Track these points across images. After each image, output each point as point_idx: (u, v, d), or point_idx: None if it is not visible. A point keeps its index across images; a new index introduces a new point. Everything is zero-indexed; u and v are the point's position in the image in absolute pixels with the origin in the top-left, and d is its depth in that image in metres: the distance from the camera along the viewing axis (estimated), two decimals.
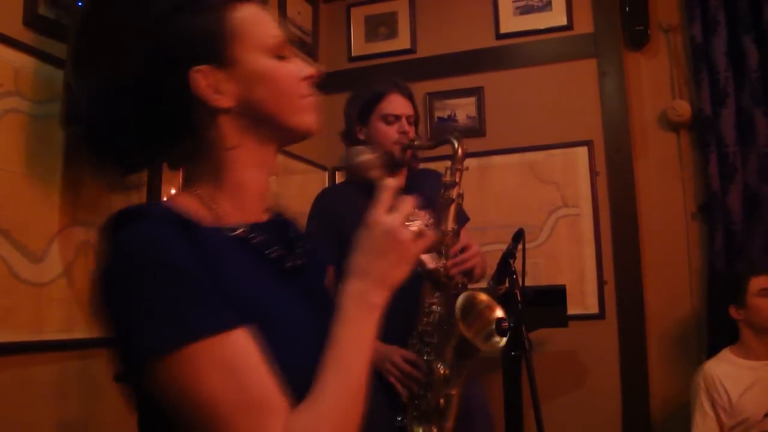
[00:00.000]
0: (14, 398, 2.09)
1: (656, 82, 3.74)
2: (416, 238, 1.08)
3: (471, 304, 2.18)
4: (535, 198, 3.79)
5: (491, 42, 3.99)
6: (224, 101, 1.07)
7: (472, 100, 3.97)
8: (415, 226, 1.08)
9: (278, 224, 1.19)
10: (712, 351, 3.19)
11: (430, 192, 2.53)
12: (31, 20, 2.23)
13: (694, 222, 3.60)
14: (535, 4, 3.94)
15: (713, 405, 2.92)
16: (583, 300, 3.64)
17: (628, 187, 3.67)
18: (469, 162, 2.52)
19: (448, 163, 2.47)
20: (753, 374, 2.92)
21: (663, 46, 3.75)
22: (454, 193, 2.44)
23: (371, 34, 4.22)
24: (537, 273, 3.63)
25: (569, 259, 3.72)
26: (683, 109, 3.58)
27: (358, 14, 4.25)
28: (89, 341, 2.34)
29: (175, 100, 1.06)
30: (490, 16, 4.00)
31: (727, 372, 2.95)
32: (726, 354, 3.03)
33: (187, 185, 1.13)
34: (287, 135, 1.15)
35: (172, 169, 2.22)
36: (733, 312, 3.01)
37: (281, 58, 1.13)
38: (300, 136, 1.16)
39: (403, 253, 1.06)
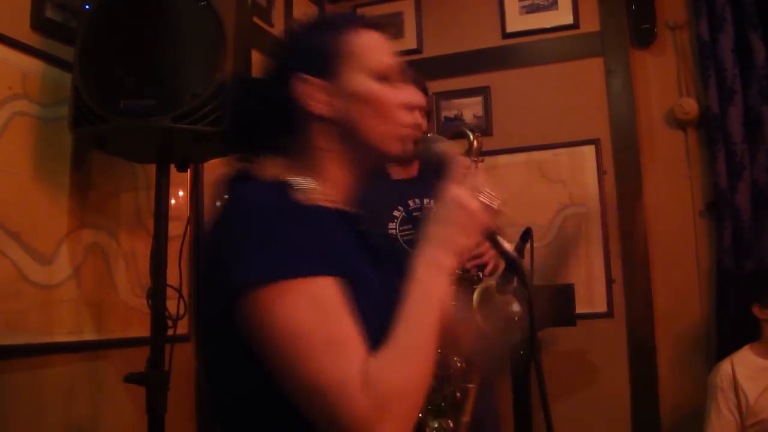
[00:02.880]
0: (24, 400, 2.09)
1: (663, 80, 3.73)
2: (483, 208, 1.15)
3: (488, 297, 2.18)
4: (543, 197, 3.78)
5: (497, 41, 3.99)
6: (320, 109, 1.19)
7: (478, 99, 3.97)
8: (483, 197, 1.16)
9: (361, 215, 1.28)
10: (722, 349, 3.18)
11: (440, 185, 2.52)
12: (39, 23, 2.23)
13: (702, 220, 3.59)
14: (541, 3, 3.93)
15: (729, 405, 2.89)
16: (591, 299, 3.64)
17: (635, 186, 3.66)
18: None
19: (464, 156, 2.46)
20: None
21: (670, 44, 3.74)
22: None
23: None
24: (545, 272, 3.62)
25: (577, 257, 3.71)
26: (690, 106, 3.57)
27: (363, 14, 4.25)
28: (98, 343, 2.35)
29: (283, 101, 1.21)
30: (496, 16, 3.99)
31: (746, 371, 2.91)
32: (746, 352, 2.98)
33: (288, 172, 1.21)
34: (372, 154, 1.24)
35: (181, 170, 2.24)
36: (757, 311, 2.97)
37: (388, 82, 1.23)
38: (384, 158, 1.26)
39: (470, 221, 1.14)
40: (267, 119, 1.23)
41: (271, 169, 1.21)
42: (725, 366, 2.96)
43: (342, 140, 1.21)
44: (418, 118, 1.24)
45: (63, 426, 2.22)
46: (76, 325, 2.29)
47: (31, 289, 2.14)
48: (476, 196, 1.15)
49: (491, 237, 1.20)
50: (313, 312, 1.00)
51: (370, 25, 1.27)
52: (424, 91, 2.68)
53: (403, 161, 1.23)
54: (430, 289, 1.09)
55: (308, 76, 1.19)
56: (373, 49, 1.24)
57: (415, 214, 2.65)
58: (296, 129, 1.22)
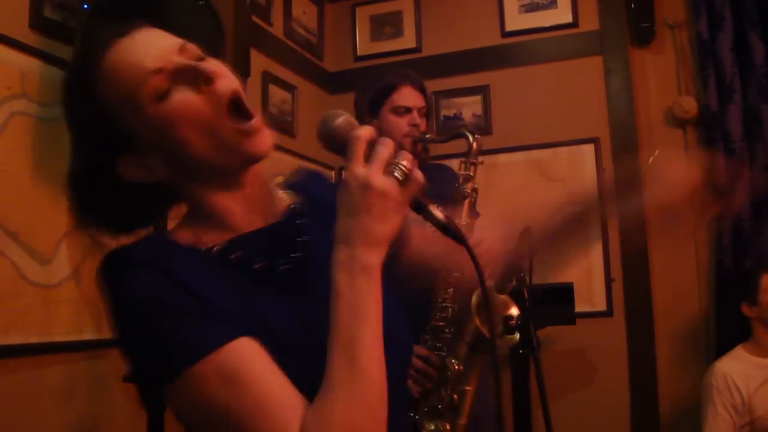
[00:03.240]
0: (24, 400, 2.09)
1: (662, 78, 3.73)
2: (399, 183, 0.96)
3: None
4: (542, 196, 3.78)
5: (497, 40, 3.99)
6: (153, 176, 1.07)
7: (477, 98, 3.97)
8: (397, 171, 0.96)
9: (278, 227, 1.14)
10: (721, 348, 3.18)
11: (442, 186, 2.52)
12: (37, 23, 2.23)
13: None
14: (541, 2, 3.93)
15: (725, 404, 2.90)
16: (590, 297, 3.64)
17: None
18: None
19: (461, 159, 2.47)
20: (766, 372, 2.90)
21: (669, 43, 3.74)
22: (468, 187, 2.43)
23: (376, 34, 4.21)
24: (544, 271, 3.62)
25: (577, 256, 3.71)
26: (690, 105, 3.57)
27: (363, 14, 4.25)
28: (98, 342, 2.34)
29: (122, 190, 1.09)
30: (496, 14, 3.99)
31: (740, 370, 2.93)
32: (739, 351, 3.01)
33: (182, 222, 1.14)
34: (231, 168, 1.08)
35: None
36: (746, 309, 2.99)
37: (171, 91, 1.02)
38: (250, 162, 1.09)
39: (385, 203, 0.94)
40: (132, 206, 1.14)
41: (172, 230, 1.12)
42: (720, 366, 2.98)
43: (196, 179, 1.08)
44: (226, 84, 1.07)
45: (62, 425, 2.22)
46: (76, 324, 2.28)
47: (30, 288, 2.14)
48: (385, 170, 0.95)
49: (419, 207, 1.01)
50: (231, 387, 0.90)
51: (107, 37, 1.09)
52: (423, 91, 2.67)
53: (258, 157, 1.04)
54: (357, 301, 0.94)
55: (117, 161, 1.06)
56: (125, 73, 1.03)
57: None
58: (159, 196, 1.13)
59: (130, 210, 1.15)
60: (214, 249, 1.06)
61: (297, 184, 1.26)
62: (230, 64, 2.01)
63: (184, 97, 1.02)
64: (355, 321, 0.93)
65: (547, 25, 3.90)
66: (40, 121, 2.22)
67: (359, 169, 0.95)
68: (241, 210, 1.10)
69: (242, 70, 2.19)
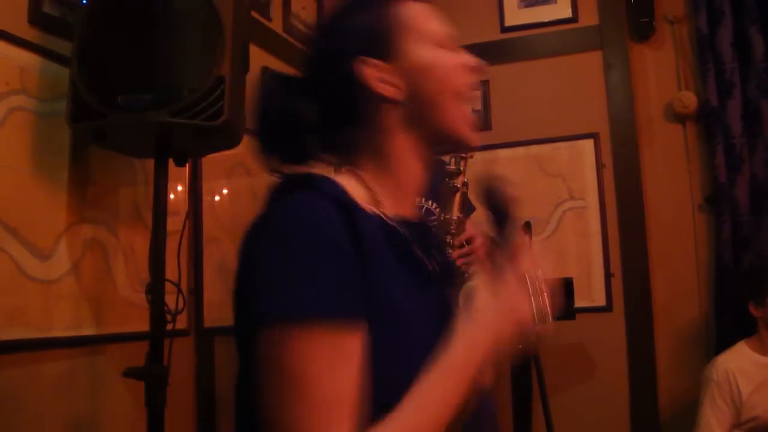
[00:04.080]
0: (23, 395, 2.10)
1: (662, 73, 3.73)
2: (530, 312, 1.06)
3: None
4: (541, 191, 3.79)
5: (496, 35, 3.99)
6: (390, 91, 1.11)
7: (477, 93, 3.96)
8: (533, 304, 1.06)
9: (423, 227, 1.22)
10: (721, 343, 3.18)
11: (433, 180, 2.52)
12: (36, 18, 2.22)
13: (700, 214, 3.59)
14: None
15: (724, 398, 2.89)
16: (590, 292, 3.64)
17: (634, 180, 3.66)
18: (475, 155, 2.51)
19: (450, 154, 2.47)
20: (766, 372, 2.89)
21: (668, 38, 3.74)
22: (458, 181, 2.43)
23: None
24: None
25: (576, 251, 3.71)
26: (689, 100, 3.58)
27: None
28: (97, 338, 2.35)
29: (345, 90, 1.12)
30: (495, 9, 3.99)
31: (741, 367, 2.91)
32: (742, 347, 2.99)
33: (349, 168, 1.15)
34: (443, 135, 1.16)
35: (179, 165, 2.23)
36: (753, 309, 2.97)
37: (446, 48, 1.17)
38: (454, 141, 1.18)
39: (518, 331, 1.05)
40: (325, 115, 1.13)
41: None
42: (721, 360, 2.97)
43: (413, 123, 1.14)
44: (477, 78, 1.21)
45: (62, 421, 2.22)
46: (75, 320, 2.28)
47: (29, 284, 2.14)
48: (527, 293, 1.06)
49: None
50: (324, 364, 0.90)
51: None
52: None
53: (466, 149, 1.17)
54: (456, 378, 0.98)
55: (371, 60, 1.11)
56: (425, 18, 1.18)
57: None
58: (362, 120, 1.14)
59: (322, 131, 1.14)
60: (395, 223, 1.10)
61: None
62: (229, 60, 2.01)
63: (462, 60, 1.18)
64: (443, 390, 0.97)
65: (547, 20, 3.90)
66: (39, 117, 2.21)
67: (512, 292, 1.06)
68: (409, 187, 1.18)
69: (241, 65, 2.19)
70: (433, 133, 1.15)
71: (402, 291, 1.04)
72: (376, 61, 1.11)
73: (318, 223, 0.95)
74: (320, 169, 1.13)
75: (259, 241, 0.98)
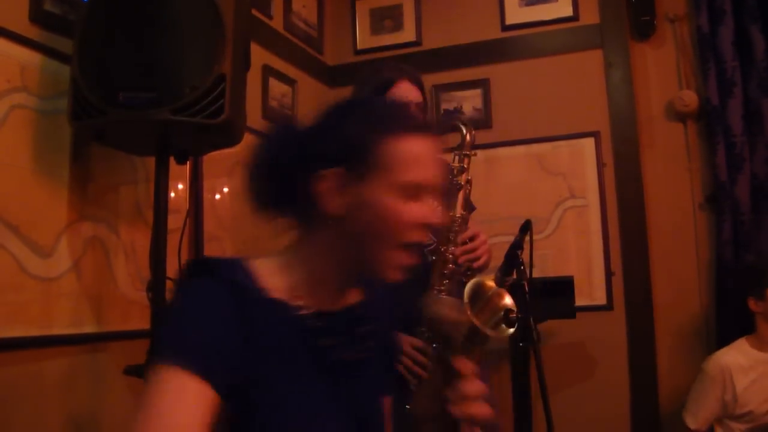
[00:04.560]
0: (24, 392, 2.10)
1: (663, 72, 3.73)
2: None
3: (479, 291, 2.18)
4: (542, 190, 3.78)
5: (497, 33, 3.98)
6: (336, 209, 1.16)
7: (478, 92, 3.96)
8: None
9: (350, 316, 1.26)
10: (721, 341, 3.18)
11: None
12: (37, 16, 2.23)
13: (701, 212, 3.59)
14: None
15: (717, 394, 2.93)
16: (590, 291, 3.64)
17: (635, 178, 3.66)
18: (477, 154, 2.51)
19: (454, 151, 2.47)
20: (764, 368, 2.90)
21: (669, 37, 3.74)
22: (462, 179, 2.44)
23: (377, 27, 4.21)
24: (544, 265, 3.63)
25: (576, 250, 3.71)
26: (690, 99, 3.57)
27: (363, 7, 4.24)
28: (98, 335, 2.35)
29: (299, 192, 1.18)
30: (496, 8, 3.98)
31: (738, 362, 2.93)
32: (741, 343, 3.01)
33: (283, 250, 1.25)
34: (368, 268, 1.20)
35: (180, 163, 2.23)
36: (752, 304, 2.98)
37: (410, 198, 1.16)
38: (375, 276, 1.21)
39: None
40: (277, 196, 1.22)
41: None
42: (719, 355, 3.00)
43: (344, 244, 1.19)
44: (424, 235, 1.21)
45: (63, 418, 2.22)
46: (76, 317, 2.29)
47: (31, 281, 2.14)
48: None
49: None
50: (169, 402, 1.03)
51: (420, 128, 1.20)
52: (420, 86, 2.67)
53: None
54: None
55: (332, 171, 1.15)
56: (412, 162, 1.16)
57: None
58: (303, 217, 1.22)
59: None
60: (304, 315, 1.18)
61: (366, 284, 1.36)
62: (230, 58, 2.01)
63: (419, 217, 1.18)
64: None
65: (547, 19, 3.89)
66: (40, 115, 2.22)
67: None
68: (329, 290, 1.23)
69: (242, 63, 2.19)
70: (358, 261, 1.20)
71: (291, 378, 1.15)
72: (336, 175, 1.15)
73: (203, 305, 1.11)
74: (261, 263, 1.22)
75: (169, 313, 1.19)
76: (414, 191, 1.16)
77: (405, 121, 1.20)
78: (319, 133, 1.20)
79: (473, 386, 1.17)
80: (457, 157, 2.46)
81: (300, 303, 1.18)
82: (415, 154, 1.17)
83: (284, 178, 1.19)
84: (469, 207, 2.51)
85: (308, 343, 1.17)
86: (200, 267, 1.18)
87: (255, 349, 1.10)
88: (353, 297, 1.30)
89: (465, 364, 1.19)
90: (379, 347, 1.31)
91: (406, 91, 2.61)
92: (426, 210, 1.18)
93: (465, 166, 2.44)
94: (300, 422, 1.13)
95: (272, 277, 1.18)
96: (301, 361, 1.16)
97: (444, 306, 1.27)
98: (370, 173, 1.15)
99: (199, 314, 1.10)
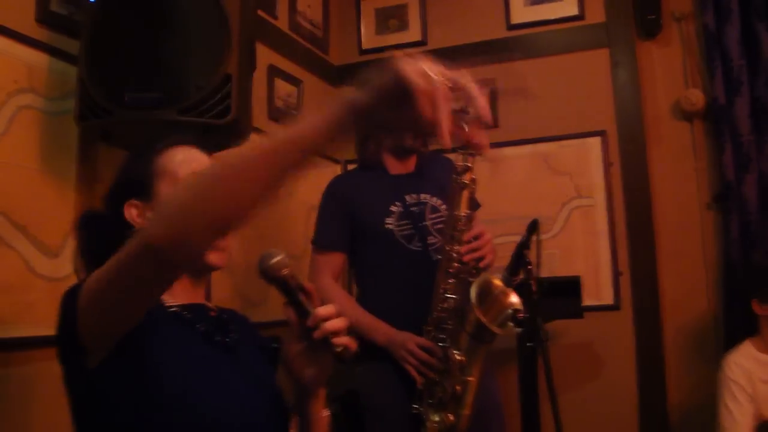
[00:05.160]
0: (34, 392, 2.10)
1: (669, 71, 3.72)
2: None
3: (486, 290, 2.18)
4: (549, 189, 3.77)
5: (502, 33, 3.98)
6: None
7: (483, 91, 3.95)
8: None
9: (202, 308, 1.47)
10: (730, 342, 3.16)
11: (441, 177, 2.53)
12: (44, 17, 2.23)
13: (708, 212, 3.58)
14: None
15: (744, 394, 2.85)
16: (598, 291, 3.63)
17: (642, 178, 3.65)
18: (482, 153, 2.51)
19: (459, 150, 2.48)
20: None
21: (676, 35, 3.73)
22: (467, 178, 2.44)
23: (382, 27, 4.21)
24: (551, 264, 3.62)
25: (583, 250, 3.70)
26: (697, 98, 3.56)
27: (368, 7, 4.24)
28: None
29: (121, 227, 1.41)
30: (501, 7, 3.98)
31: (748, 365, 2.90)
32: (747, 347, 2.97)
33: None
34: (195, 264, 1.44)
35: None
36: (756, 307, 2.96)
37: None
38: (202, 265, 1.45)
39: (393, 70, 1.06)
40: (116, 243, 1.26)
41: None
42: (733, 359, 2.95)
43: None
44: None
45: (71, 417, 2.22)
46: None
47: (38, 281, 2.15)
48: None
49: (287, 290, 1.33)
50: None
51: (180, 141, 1.49)
52: None
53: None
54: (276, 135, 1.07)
55: (135, 201, 1.42)
56: (182, 162, 1.43)
57: (412, 209, 2.66)
58: None
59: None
60: (172, 308, 1.38)
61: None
62: (236, 58, 2.02)
63: None
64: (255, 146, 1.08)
65: (553, 18, 3.88)
66: (47, 115, 2.22)
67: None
68: (185, 286, 1.45)
69: (248, 63, 2.19)
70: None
71: (174, 351, 1.30)
72: (137, 202, 1.42)
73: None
74: None
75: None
76: None
77: (165, 140, 1.49)
78: (119, 180, 1.51)
79: (321, 309, 1.27)
80: (461, 157, 2.47)
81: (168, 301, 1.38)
82: (181, 157, 1.45)
83: (111, 217, 1.45)
84: (473, 206, 2.51)
85: (184, 330, 1.36)
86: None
87: (141, 333, 1.23)
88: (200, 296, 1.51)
89: (310, 287, 1.31)
90: (252, 343, 1.53)
91: None
92: None
93: (469, 165, 2.45)
94: (182, 380, 1.27)
95: None
96: (194, 340, 1.36)
97: (275, 255, 1.33)
98: (157, 187, 1.42)
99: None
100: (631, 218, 3.65)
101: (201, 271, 1.49)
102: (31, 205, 2.14)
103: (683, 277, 3.57)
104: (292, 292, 1.30)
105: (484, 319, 2.13)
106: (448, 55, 3.94)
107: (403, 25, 4.15)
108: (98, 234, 1.45)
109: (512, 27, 3.96)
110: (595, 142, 3.74)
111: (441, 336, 2.35)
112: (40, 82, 2.22)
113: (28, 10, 2.20)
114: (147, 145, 1.49)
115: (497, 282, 2.19)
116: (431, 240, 2.61)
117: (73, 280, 2.24)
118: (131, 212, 1.41)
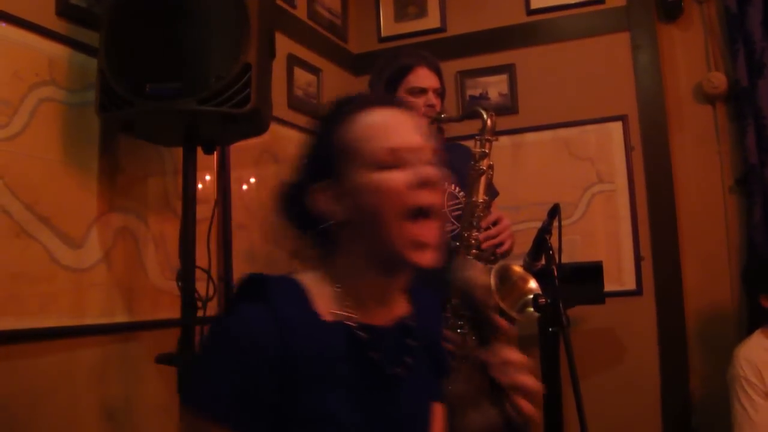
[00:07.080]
0: (57, 382, 2.13)
1: (691, 54, 3.68)
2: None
3: (505, 276, 2.18)
4: (570, 175, 3.76)
5: (522, 18, 3.95)
6: (334, 213, 1.21)
7: (503, 77, 3.94)
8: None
9: (400, 329, 1.27)
10: (752, 326, 3.14)
11: (458, 165, 2.53)
12: (64, 9, 2.24)
13: (731, 196, 3.55)
14: None
15: (758, 391, 2.81)
16: (619, 276, 3.62)
17: (664, 162, 3.62)
18: (502, 140, 2.52)
19: (476, 137, 2.48)
20: None
21: (697, 18, 3.69)
22: (484, 164, 2.43)
23: (401, 14, 4.19)
24: (573, 250, 3.60)
25: (605, 235, 3.69)
26: (719, 80, 3.53)
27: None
28: (129, 325, 2.37)
29: (307, 211, 1.23)
30: None
31: (763, 358, 2.87)
32: (759, 337, 2.95)
33: (325, 268, 1.26)
34: (389, 254, 1.19)
35: (207, 153, 2.24)
36: (765, 301, 2.94)
37: (392, 167, 1.18)
38: (399, 260, 1.19)
39: None
40: (302, 230, 1.28)
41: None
42: (742, 354, 2.91)
43: (360, 241, 1.21)
44: (427, 196, 1.19)
45: (96, 406, 2.25)
46: (107, 307, 2.31)
47: (62, 272, 2.17)
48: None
49: None
50: None
51: (362, 104, 1.26)
52: (438, 71, 2.68)
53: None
54: None
55: (323, 184, 1.22)
56: (366, 139, 1.20)
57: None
58: (325, 236, 1.24)
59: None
60: (353, 328, 1.20)
61: (411, 292, 1.36)
62: (256, 47, 2.02)
63: (404, 179, 1.18)
64: None
65: (573, 2, 3.85)
66: (68, 107, 2.24)
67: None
68: (371, 298, 1.24)
69: (267, 52, 2.19)
70: (377, 251, 1.20)
71: (339, 397, 1.14)
72: (323, 185, 1.22)
73: (239, 344, 1.11)
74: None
75: (202, 345, 1.25)
76: (388, 159, 1.18)
77: (346, 107, 1.27)
78: (302, 159, 1.29)
79: (515, 353, 1.16)
80: (478, 143, 2.46)
81: (349, 316, 1.20)
82: (369, 130, 1.21)
83: (294, 202, 1.27)
84: (491, 192, 2.51)
85: (356, 356, 1.18)
86: (252, 288, 1.19)
87: (301, 379, 1.11)
88: (400, 309, 1.30)
89: (504, 323, 1.21)
90: (428, 354, 1.33)
91: (423, 77, 2.62)
92: (410, 171, 1.18)
93: (487, 151, 2.44)
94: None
95: (322, 294, 1.20)
96: (347, 377, 1.17)
97: (475, 269, 1.27)
98: (343, 168, 1.21)
99: (233, 356, 1.11)
100: (653, 203, 3.62)
101: (409, 289, 1.33)
102: (53, 197, 2.16)
103: (706, 261, 3.55)
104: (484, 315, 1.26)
105: (503, 305, 2.12)
106: (468, 42, 3.94)
107: (422, 12, 4.13)
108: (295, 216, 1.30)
109: (532, 12, 3.93)
110: (616, 126, 3.71)
111: (459, 323, 2.35)
112: (61, 74, 2.23)
113: (48, 3, 2.22)
114: (328, 115, 1.30)
115: (516, 268, 2.18)
116: (449, 227, 2.61)
117: (97, 271, 2.27)
118: (315, 197, 1.23)
